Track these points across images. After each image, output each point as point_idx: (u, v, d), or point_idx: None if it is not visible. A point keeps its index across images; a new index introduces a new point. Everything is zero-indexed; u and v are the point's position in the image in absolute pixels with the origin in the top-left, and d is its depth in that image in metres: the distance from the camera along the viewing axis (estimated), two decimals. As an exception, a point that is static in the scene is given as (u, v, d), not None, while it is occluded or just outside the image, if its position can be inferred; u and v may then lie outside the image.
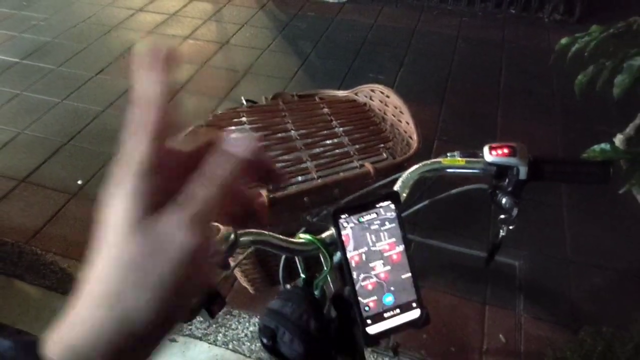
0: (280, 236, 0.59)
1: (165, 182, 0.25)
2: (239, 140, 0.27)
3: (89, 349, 0.24)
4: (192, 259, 0.24)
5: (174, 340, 1.59)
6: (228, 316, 1.65)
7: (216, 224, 0.52)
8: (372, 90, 0.91)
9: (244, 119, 0.86)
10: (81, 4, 3.68)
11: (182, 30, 3.32)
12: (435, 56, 3.05)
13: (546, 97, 2.68)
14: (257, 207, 0.31)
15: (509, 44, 3.17)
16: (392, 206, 0.57)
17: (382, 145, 0.80)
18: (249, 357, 1.55)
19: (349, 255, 0.55)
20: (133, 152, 0.25)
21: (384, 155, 0.77)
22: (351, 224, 0.56)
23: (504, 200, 0.63)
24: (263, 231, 0.57)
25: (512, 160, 0.62)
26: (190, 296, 0.25)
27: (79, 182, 2.15)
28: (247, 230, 0.56)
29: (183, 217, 0.24)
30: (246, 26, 3.38)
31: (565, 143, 2.36)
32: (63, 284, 1.73)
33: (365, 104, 0.93)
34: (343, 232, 0.55)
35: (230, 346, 1.57)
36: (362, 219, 0.56)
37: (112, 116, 2.55)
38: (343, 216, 0.55)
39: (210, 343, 1.58)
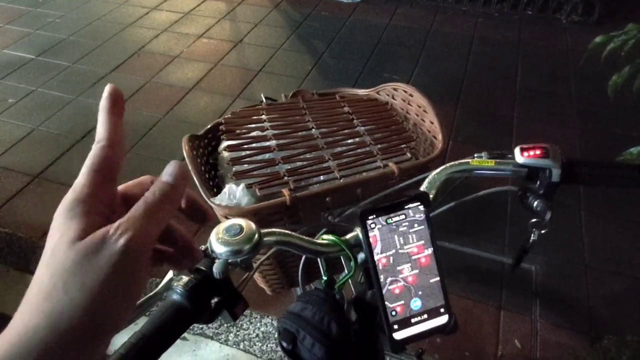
0: (304, 237, 0.57)
1: (105, 210, 0.31)
2: (167, 168, 0.33)
3: (24, 352, 0.26)
4: (117, 272, 0.28)
5: (184, 339, 1.58)
6: (247, 318, 1.64)
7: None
8: (395, 89, 0.89)
9: (263, 116, 0.84)
10: (96, 2, 3.70)
11: (196, 29, 3.32)
12: (451, 57, 3.02)
13: (564, 99, 2.64)
14: (183, 244, 0.37)
15: (525, 45, 3.12)
16: (422, 207, 0.55)
17: (405, 145, 0.78)
18: (260, 357, 1.53)
19: (376, 257, 0.54)
20: (79, 180, 0.31)
21: (408, 155, 0.75)
22: (379, 225, 0.54)
23: (535, 204, 0.60)
24: (287, 231, 0.55)
25: (544, 162, 0.59)
26: (114, 307, 0.28)
27: (93, 178, 2.15)
28: (271, 230, 0.54)
29: (115, 235, 0.28)
30: (260, 25, 3.37)
31: (584, 146, 2.32)
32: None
33: (387, 103, 0.91)
34: (370, 234, 0.54)
35: (241, 346, 1.56)
36: (390, 220, 0.54)
37: (126, 113, 2.51)
38: (371, 217, 0.53)
39: (221, 342, 1.57)
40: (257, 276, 0.85)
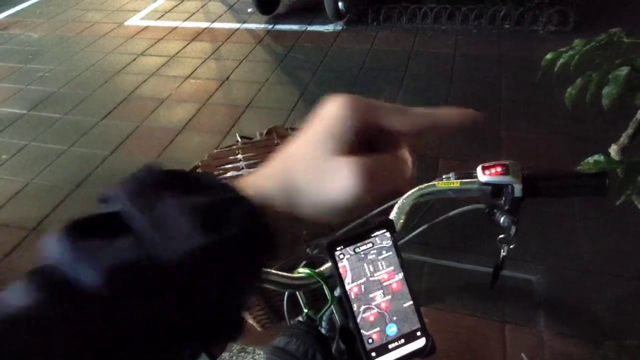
0: (279, 272, 0.58)
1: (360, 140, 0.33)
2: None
3: (264, 190, 0.32)
4: (348, 197, 0.31)
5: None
6: (242, 353, 1.62)
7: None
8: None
9: (239, 155, 0.86)
10: (84, 53, 3.79)
11: (183, 71, 3.40)
12: (434, 75, 3.08)
13: (549, 108, 2.67)
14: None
15: (506, 58, 3.19)
16: (388, 234, 0.56)
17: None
18: (264, 394, 1.51)
19: (347, 287, 0.54)
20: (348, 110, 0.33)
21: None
22: (347, 255, 0.55)
23: (501, 220, 0.62)
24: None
25: (505, 179, 0.61)
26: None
27: (88, 227, 2.16)
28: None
29: (359, 162, 0.31)
30: (245, 62, 3.45)
31: (572, 152, 2.34)
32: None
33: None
34: (340, 264, 0.54)
35: (246, 384, 1.54)
36: (357, 250, 0.55)
37: (119, 159, 2.59)
38: (338, 248, 0.55)
39: (224, 382, 1.55)
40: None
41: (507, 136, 2.50)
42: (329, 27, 3.81)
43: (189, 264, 0.27)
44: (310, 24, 3.88)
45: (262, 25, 3.95)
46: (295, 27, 3.87)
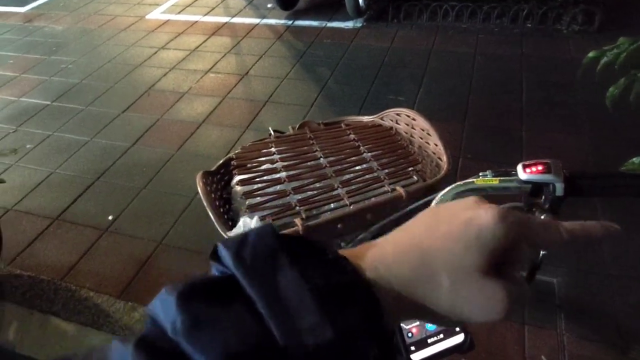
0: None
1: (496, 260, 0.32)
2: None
3: (390, 273, 0.30)
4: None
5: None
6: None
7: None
8: (398, 114, 0.92)
9: (272, 149, 0.87)
10: (106, 46, 3.84)
11: (203, 65, 3.42)
12: (454, 75, 3.05)
13: (572, 109, 2.64)
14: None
15: (528, 58, 3.15)
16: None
17: (411, 168, 0.80)
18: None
19: (388, 281, 0.55)
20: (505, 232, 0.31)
21: (414, 178, 0.77)
22: (389, 250, 0.55)
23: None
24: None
25: (547, 177, 0.60)
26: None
27: (110, 217, 2.20)
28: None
29: (513, 291, 0.31)
30: (264, 57, 3.46)
31: (595, 156, 2.31)
32: (98, 320, 1.75)
33: (391, 128, 0.93)
34: (381, 259, 0.55)
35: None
36: (399, 245, 0.55)
37: (140, 151, 2.62)
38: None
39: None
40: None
41: (528, 137, 2.47)
42: (349, 24, 3.80)
43: (315, 354, 0.26)
44: (330, 20, 3.88)
45: (282, 21, 3.95)
46: (315, 23, 3.87)
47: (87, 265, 1.98)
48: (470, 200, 0.34)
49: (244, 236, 0.30)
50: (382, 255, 0.31)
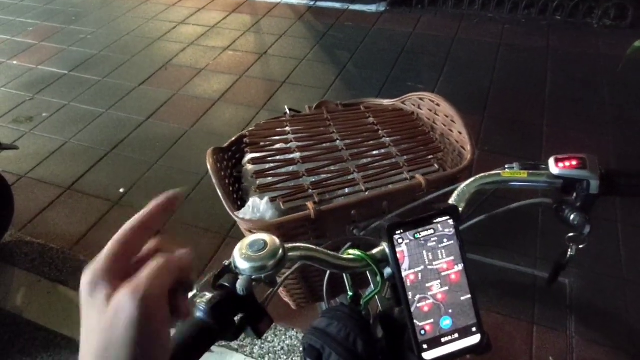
0: (329, 252, 0.56)
1: (127, 271, 0.34)
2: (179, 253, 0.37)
3: None
4: (139, 323, 0.31)
5: (210, 351, 1.58)
6: (275, 331, 1.63)
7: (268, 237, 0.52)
8: (421, 99, 0.87)
9: (287, 128, 0.84)
10: (126, 18, 3.81)
11: (222, 42, 3.38)
12: (476, 64, 2.97)
13: (596, 106, 2.55)
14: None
15: (554, 51, 3.05)
16: (451, 222, 0.53)
17: (432, 156, 0.76)
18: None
19: (404, 274, 0.52)
20: (102, 252, 0.35)
21: (435, 166, 0.73)
22: (407, 241, 0.52)
23: (572, 217, 0.57)
24: (311, 246, 0.54)
25: (582, 173, 0.56)
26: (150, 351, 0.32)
27: (121, 190, 2.20)
28: (295, 245, 0.53)
29: (129, 290, 0.32)
30: (284, 37, 3.40)
31: (618, 154, 2.23)
32: (104, 291, 1.75)
33: (412, 113, 0.89)
34: (398, 249, 0.52)
35: (266, 359, 1.55)
36: (418, 235, 0.52)
37: (154, 125, 2.61)
38: (398, 232, 0.52)
39: (246, 355, 1.56)
40: (281, 290, 0.84)
41: (549, 132, 2.40)
42: (372, 8, 3.71)
43: None
44: (352, 2, 3.79)
45: (304, 1, 3.88)
46: (337, 5, 3.79)
47: (97, 236, 1.98)
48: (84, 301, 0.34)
49: None
50: None
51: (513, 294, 1.72)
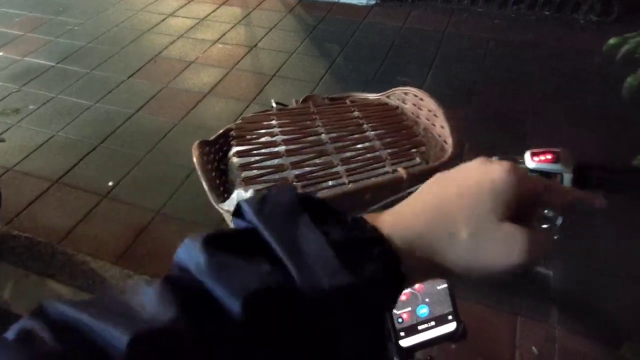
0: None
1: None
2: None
3: (407, 231, 0.31)
4: (512, 267, 0.32)
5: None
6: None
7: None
8: (405, 93, 0.89)
9: (274, 122, 0.85)
10: (114, 9, 3.77)
11: (212, 35, 3.36)
12: (465, 59, 2.99)
13: (582, 101, 2.59)
14: None
15: (542, 46, 3.08)
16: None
17: (415, 149, 0.77)
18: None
19: (382, 264, 0.53)
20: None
21: (417, 160, 0.75)
22: (385, 232, 0.53)
23: (546, 210, 0.59)
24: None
25: (556, 167, 0.58)
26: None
27: (110, 183, 2.19)
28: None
29: (535, 235, 0.33)
30: (274, 30, 3.39)
31: (603, 149, 2.27)
32: (93, 285, 1.76)
33: (397, 107, 0.90)
34: (376, 240, 0.53)
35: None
36: (396, 227, 0.53)
37: (143, 118, 2.60)
38: (377, 224, 0.53)
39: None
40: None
41: (535, 127, 2.43)
42: (362, 1, 3.71)
43: (332, 301, 0.26)
44: (343, -4, 3.79)
45: (294, -6, 3.87)
46: (327, -2, 3.79)
47: (85, 230, 1.98)
48: (478, 160, 0.36)
49: (266, 194, 0.31)
50: (399, 215, 0.32)
51: (497, 286, 1.75)
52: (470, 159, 0.66)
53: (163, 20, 3.59)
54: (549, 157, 0.59)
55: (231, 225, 0.62)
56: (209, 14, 3.63)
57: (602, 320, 1.63)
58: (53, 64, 3.08)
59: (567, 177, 0.58)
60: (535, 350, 1.54)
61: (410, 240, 0.30)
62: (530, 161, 0.60)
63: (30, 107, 2.70)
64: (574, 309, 1.68)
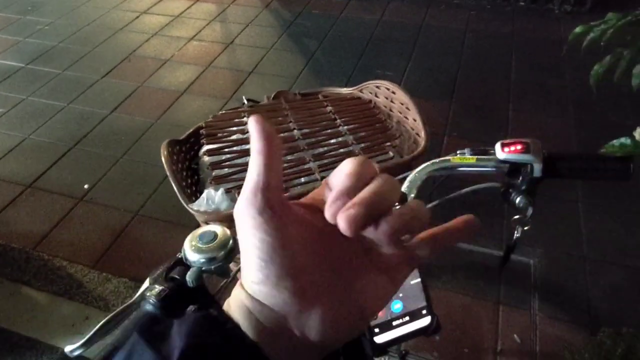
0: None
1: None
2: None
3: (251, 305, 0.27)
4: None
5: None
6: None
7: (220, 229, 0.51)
8: (378, 87, 0.88)
9: (245, 119, 0.83)
10: (86, 8, 3.68)
11: (187, 32, 3.31)
12: (444, 51, 3.00)
13: (559, 90, 2.62)
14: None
15: (518, 37, 3.11)
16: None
17: (388, 143, 0.76)
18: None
19: (354, 261, 0.52)
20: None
21: (390, 154, 0.74)
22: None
23: (517, 200, 0.59)
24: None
25: (525, 157, 0.58)
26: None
27: (86, 186, 2.14)
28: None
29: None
30: (251, 26, 3.35)
31: (579, 137, 2.30)
32: (70, 290, 1.72)
33: (370, 101, 0.89)
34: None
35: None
36: (366, 223, 0.53)
37: (119, 119, 2.54)
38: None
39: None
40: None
41: (514, 117, 2.46)
42: (339, -5, 3.70)
43: None
44: (319, -10, 3.77)
45: (270, -11, 3.83)
46: (304, -8, 3.76)
47: (61, 234, 1.93)
48: None
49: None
50: (240, 301, 0.28)
51: (480, 276, 1.77)
52: (451, 150, 0.65)
53: (137, 17, 3.52)
54: (518, 147, 0.59)
55: (202, 226, 0.60)
56: (183, 11, 3.57)
57: (580, 305, 1.65)
58: (23, 65, 2.99)
59: (537, 167, 0.58)
60: (517, 339, 1.56)
61: (268, 327, 0.27)
62: (501, 152, 0.60)
63: (0, 110, 2.62)
64: (554, 295, 1.70)
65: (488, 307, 1.65)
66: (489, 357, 1.52)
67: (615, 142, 0.56)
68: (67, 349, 0.52)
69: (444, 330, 1.57)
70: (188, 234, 0.53)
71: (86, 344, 0.52)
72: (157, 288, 0.50)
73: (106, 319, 0.52)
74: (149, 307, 0.49)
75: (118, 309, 0.53)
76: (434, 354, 1.52)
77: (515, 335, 1.57)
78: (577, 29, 0.80)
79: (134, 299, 0.54)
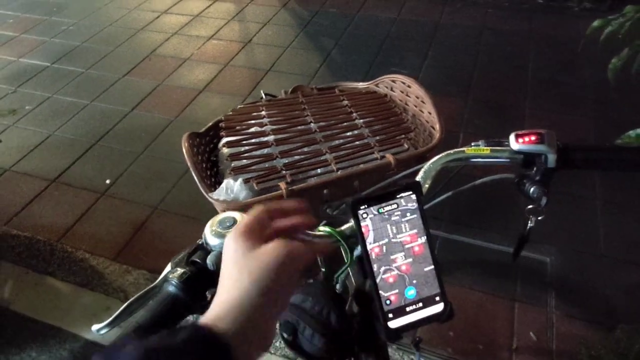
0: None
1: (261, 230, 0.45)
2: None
3: (238, 306, 0.40)
4: (277, 267, 0.42)
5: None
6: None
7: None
8: (393, 81, 0.89)
9: (263, 112, 0.85)
10: (108, 8, 3.76)
11: (206, 31, 3.36)
12: (460, 48, 2.99)
13: (577, 88, 2.59)
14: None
15: (536, 34, 3.07)
16: (414, 197, 0.55)
17: (403, 136, 0.78)
18: (274, 353, 1.55)
19: (368, 247, 0.54)
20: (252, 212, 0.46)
21: (405, 146, 0.75)
22: (371, 215, 0.54)
23: (531, 190, 0.60)
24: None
25: (539, 148, 0.59)
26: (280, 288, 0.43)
27: (108, 181, 2.20)
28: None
29: (282, 242, 0.44)
30: (268, 25, 3.39)
31: (597, 134, 2.27)
32: (92, 281, 1.77)
33: (385, 95, 0.91)
34: (362, 223, 0.54)
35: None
36: (382, 210, 0.54)
37: (139, 116, 2.60)
38: (362, 207, 0.54)
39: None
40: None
41: (531, 114, 2.43)
42: (356, -7, 3.70)
43: None
44: (336, -11, 3.78)
45: (288, -12, 3.86)
46: (321, -9, 3.77)
47: (84, 227, 1.99)
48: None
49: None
50: (217, 315, 0.39)
51: (495, 272, 1.76)
52: (466, 144, 0.66)
53: (157, 17, 3.58)
54: (533, 138, 0.60)
55: (221, 214, 0.63)
56: (202, 11, 3.62)
57: (598, 303, 1.64)
58: (48, 64, 3.08)
59: (551, 158, 0.59)
60: (533, 336, 1.55)
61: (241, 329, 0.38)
62: (515, 143, 0.61)
63: (27, 107, 2.70)
64: (570, 293, 1.69)
65: (503, 304, 1.65)
66: (504, 354, 1.52)
67: (632, 132, 0.56)
68: (94, 327, 0.55)
69: (459, 326, 1.57)
70: (204, 228, 0.56)
71: (112, 324, 0.55)
72: (179, 270, 0.52)
73: (131, 299, 0.55)
74: (171, 289, 0.51)
75: (142, 291, 0.55)
76: (448, 349, 1.52)
77: (531, 333, 1.56)
78: (595, 23, 0.80)
79: (157, 281, 0.57)
